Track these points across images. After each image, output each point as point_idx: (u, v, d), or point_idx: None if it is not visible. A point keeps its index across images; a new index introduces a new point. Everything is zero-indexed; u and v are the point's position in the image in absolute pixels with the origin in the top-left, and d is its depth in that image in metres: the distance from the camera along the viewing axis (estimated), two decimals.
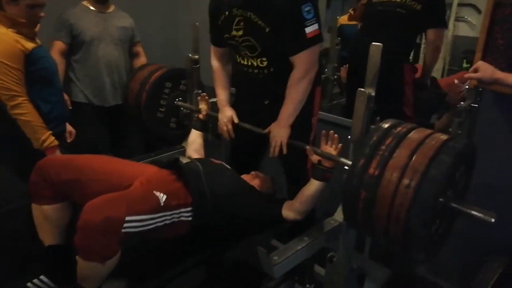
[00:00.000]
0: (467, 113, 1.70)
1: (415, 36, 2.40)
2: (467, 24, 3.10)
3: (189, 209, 1.42)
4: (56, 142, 1.75)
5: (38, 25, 1.77)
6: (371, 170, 1.15)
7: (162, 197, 1.31)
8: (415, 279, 2.04)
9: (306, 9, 1.45)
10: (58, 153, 1.76)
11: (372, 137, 1.21)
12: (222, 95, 1.83)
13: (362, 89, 1.40)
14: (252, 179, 1.74)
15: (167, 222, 1.35)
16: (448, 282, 1.99)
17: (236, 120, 1.78)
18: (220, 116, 1.83)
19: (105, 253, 1.19)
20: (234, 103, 1.89)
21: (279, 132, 1.63)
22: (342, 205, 1.26)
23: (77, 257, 1.21)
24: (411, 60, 2.53)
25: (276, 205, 1.59)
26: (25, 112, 1.64)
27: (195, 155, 1.88)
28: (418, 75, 2.39)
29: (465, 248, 1.79)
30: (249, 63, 1.66)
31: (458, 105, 1.72)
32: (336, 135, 1.49)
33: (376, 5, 2.32)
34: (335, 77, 2.99)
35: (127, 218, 1.19)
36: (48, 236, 1.46)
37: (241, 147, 1.94)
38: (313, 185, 1.50)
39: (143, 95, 2.10)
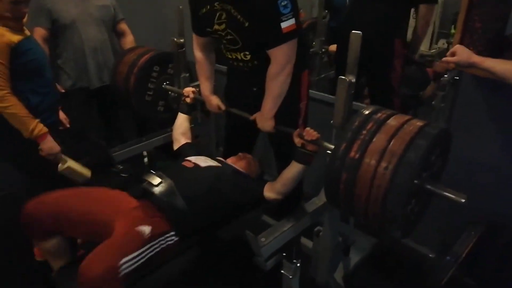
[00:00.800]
0: (451, 86, 1.76)
1: (407, 11, 2.42)
2: None
3: (172, 233, 1.47)
4: (45, 130, 1.76)
5: (26, 16, 1.74)
6: (352, 154, 1.21)
7: (146, 230, 1.37)
8: (398, 248, 2.16)
9: (282, 3, 1.42)
10: (49, 139, 1.78)
11: (354, 122, 1.27)
12: (205, 85, 1.84)
13: (343, 77, 1.44)
14: (238, 161, 1.81)
15: (157, 249, 1.41)
16: (429, 249, 2.12)
17: (223, 107, 1.82)
18: (207, 106, 1.87)
19: None
20: (226, 88, 1.91)
21: (263, 124, 1.68)
22: (324, 186, 1.33)
23: None
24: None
25: (257, 188, 1.65)
26: (9, 104, 1.65)
27: (182, 138, 1.93)
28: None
29: (446, 218, 1.90)
30: (234, 57, 1.67)
31: (441, 78, 1.78)
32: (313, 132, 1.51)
33: None
34: (323, 50, 3.00)
35: (121, 262, 1.26)
36: (56, 263, 1.59)
37: (235, 127, 1.98)
38: (295, 168, 1.56)
39: (132, 78, 2.11)
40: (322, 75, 3.09)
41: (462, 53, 1.33)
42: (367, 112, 1.29)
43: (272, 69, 1.56)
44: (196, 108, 2.09)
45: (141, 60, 2.12)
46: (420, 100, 2.51)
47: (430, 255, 2.11)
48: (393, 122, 1.24)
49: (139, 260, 1.33)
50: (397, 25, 2.35)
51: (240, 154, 1.85)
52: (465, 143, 1.73)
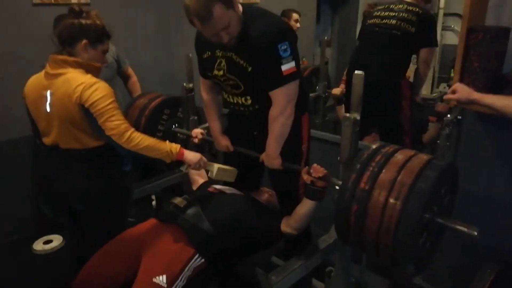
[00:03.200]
0: (454, 125, 1.81)
1: (410, 54, 2.56)
2: (454, 32, 3.25)
3: (196, 256, 1.49)
4: (178, 145, 1.67)
5: None
6: (361, 185, 1.23)
7: (162, 279, 1.39)
8: None
9: (282, 47, 1.47)
10: (187, 151, 1.70)
11: (362, 155, 1.30)
12: (214, 125, 1.88)
13: (348, 114, 1.50)
14: (260, 195, 1.87)
15: (182, 284, 1.43)
16: None
17: (231, 148, 1.85)
18: (215, 145, 1.91)
19: None
20: (227, 130, 1.94)
21: (271, 163, 1.70)
22: (334, 220, 1.32)
23: None
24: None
25: (276, 219, 1.67)
26: (138, 140, 1.54)
27: (199, 178, 1.96)
28: None
29: (459, 258, 1.86)
30: (235, 101, 1.71)
31: (445, 118, 1.83)
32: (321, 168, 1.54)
33: (373, 26, 2.49)
34: (326, 94, 3.10)
35: None
36: None
37: (240, 165, 1.99)
38: (306, 204, 1.57)
39: (142, 120, 2.17)
40: (327, 118, 3.18)
41: (462, 91, 1.38)
42: (375, 146, 1.33)
43: (273, 111, 1.60)
44: (204, 150, 2.13)
45: (152, 104, 2.19)
46: (421, 143, 2.56)
47: None
48: (400, 155, 1.27)
49: None
50: (402, 68, 2.47)
51: (261, 188, 1.90)
52: (472, 180, 1.74)
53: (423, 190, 1.14)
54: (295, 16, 3.12)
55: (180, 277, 1.44)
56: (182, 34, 3.13)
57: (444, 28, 3.48)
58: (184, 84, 2.23)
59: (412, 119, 2.47)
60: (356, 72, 1.50)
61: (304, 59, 3.24)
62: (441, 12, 3.54)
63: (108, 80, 2.47)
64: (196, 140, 2.01)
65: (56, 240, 2.50)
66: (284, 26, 1.54)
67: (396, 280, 2.10)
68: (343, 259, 1.61)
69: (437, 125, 2.48)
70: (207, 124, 2.05)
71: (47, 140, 1.64)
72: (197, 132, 1.99)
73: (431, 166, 1.19)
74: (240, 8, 1.53)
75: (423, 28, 2.35)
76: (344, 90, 2.79)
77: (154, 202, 2.64)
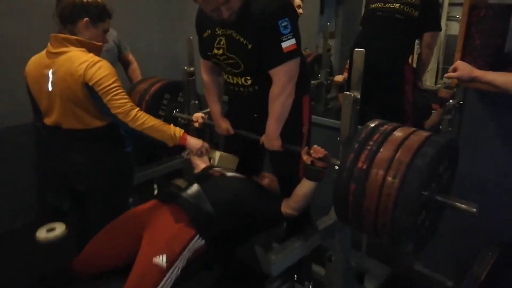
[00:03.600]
0: (456, 111, 1.78)
1: (413, 39, 2.52)
2: (458, 23, 3.22)
3: (197, 237, 1.49)
4: (182, 130, 1.69)
5: None
6: (359, 164, 1.22)
7: (162, 259, 1.39)
8: (413, 275, 2.09)
9: (283, 24, 1.46)
10: (190, 137, 1.71)
11: (360, 134, 1.29)
12: (214, 107, 1.87)
13: (347, 93, 1.48)
14: (261, 179, 1.87)
15: (181, 265, 1.44)
16: (444, 276, 2.04)
17: (231, 131, 1.84)
18: (216, 128, 1.90)
19: None
20: (227, 113, 1.94)
21: (270, 146, 1.69)
22: (333, 200, 1.32)
23: None
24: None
25: (277, 201, 1.67)
26: (144, 120, 1.56)
27: (201, 163, 1.95)
28: None
29: (459, 242, 1.85)
30: (235, 82, 1.69)
31: (447, 103, 1.80)
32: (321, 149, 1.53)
33: (375, 10, 2.45)
34: (328, 81, 3.07)
35: None
36: None
37: (241, 149, 1.97)
38: (306, 185, 1.56)
39: (143, 105, 2.17)
40: (329, 106, 3.15)
41: (463, 68, 1.36)
42: (373, 125, 1.31)
43: (273, 90, 1.58)
44: (205, 134, 2.12)
45: (152, 88, 2.19)
46: (423, 129, 2.54)
47: (448, 283, 2.03)
48: (399, 133, 1.25)
49: (167, 285, 1.36)
50: (405, 53, 2.44)
51: (262, 173, 1.89)
52: (474, 163, 1.72)
53: (421, 167, 1.13)
54: (297, 1, 3.08)
55: (180, 258, 1.44)
56: (185, 19, 3.02)
57: (449, 18, 3.42)
58: (185, 67, 2.23)
59: (414, 104, 2.44)
60: (356, 49, 1.47)
61: (307, 49, 3.22)
62: (446, 2, 3.48)
63: (112, 62, 2.49)
64: (196, 124, 2.00)
65: (59, 228, 2.51)
66: (284, 2, 1.51)
67: (397, 267, 2.10)
68: (343, 243, 1.60)
69: (439, 111, 2.46)
70: (208, 109, 2.04)
71: (48, 121, 1.64)
72: (197, 116, 1.99)
73: (429, 142, 1.18)
74: None
75: (426, 11, 2.30)
76: (347, 77, 2.76)
77: (156, 191, 2.65)
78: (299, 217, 1.63)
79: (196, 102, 2.28)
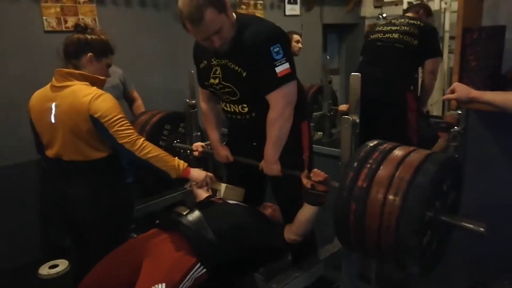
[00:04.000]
0: (462, 137, 1.77)
1: (415, 67, 2.57)
2: None
3: (198, 265, 1.45)
4: (185, 163, 1.70)
5: None
6: (359, 183, 1.19)
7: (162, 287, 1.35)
8: None
9: (274, 50, 1.48)
10: (192, 170, 1.72)
11: (359, 153, 1.27)
12: (213, 135, 1.87)
13: (346, 116, 1.48)
14: (263, 210, 1.82)
15: None
16: None
17: (231, 158, 1.83)
18: (215, 156, 1.89)
19: None
20: (227, 143, 1.93)
21: (269, 171, 1.67)
22: (334, 222, 1.27)
23: None
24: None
25: (280, 230, 1.64)
26: (150, 149, 1.59)
27: (203, 193, 1.91)
28: None
29: (474, 270, 1.76)
30: (232, 110, 1.71)
31: (452, 130, 1.79)
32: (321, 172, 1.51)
33: (375, 40, 2.51)
34: (331, 113, 3.10)
35: None
36: None
37: (243, 179, 1.95)
38: (307, 209, 1.53)
39: (143, 135, 2.15)
40: (334, 137, 3.16)
41: (461, 89, 1.36)
42: (372, 144, 1.30)
43: (271, 114, 1.58)
44: (208, 163, 2.11)
45: (153, 119, 2.23)
46: None
47: None
48: (399, 151, 1.23)
49: None
50: (406, 81, 2.48)
51: (264, 204, 1.85)
52: (482, 185, 1.67)
53: (423, 183, 1.10)
54: (295, 37, 3.19)
55: (180, 286, 1.38)
56: (188, 53, 3.17)
57: (451, 51, 3.51)
58: (187, 100, 2.27)
59: (419, 131, 2.44)
60: (352, 74, 1.49)
61: (309, 84, 3.29)
62: (446, 35, 3.59)
63: (117, 99, 2.55)
64: (196, 153, 2.00)
65: (62, 265, 2.48)
66: (275, 29, 1.55)
67: None
68: (349, 272, 1.54)
69: (445, 137, 2.44)
70: (209, 141, 2.04)
71: (50, 153, 1.65)
72: (197, 145, 1.99)
73: (430, 159, 1.15)
74: (234, 15, 1.55)
75: (425, 40, 2.37)
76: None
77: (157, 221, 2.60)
78: (303, 246, 1.58)
79: (198, 133, 2.29)
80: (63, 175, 1.66)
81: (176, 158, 1.68)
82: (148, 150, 1.58)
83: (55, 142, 1.61)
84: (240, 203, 1.76)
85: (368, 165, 1.21)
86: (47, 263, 2.50)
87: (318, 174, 1.49)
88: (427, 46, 2.40)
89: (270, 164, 1.65)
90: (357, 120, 1.48)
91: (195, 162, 2.03)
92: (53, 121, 1.59)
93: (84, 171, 1.63)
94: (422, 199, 1.09)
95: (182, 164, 1.67)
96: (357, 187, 1.19)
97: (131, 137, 1.56)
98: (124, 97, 2.71)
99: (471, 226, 1.15)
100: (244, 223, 1.61)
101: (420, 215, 1.09)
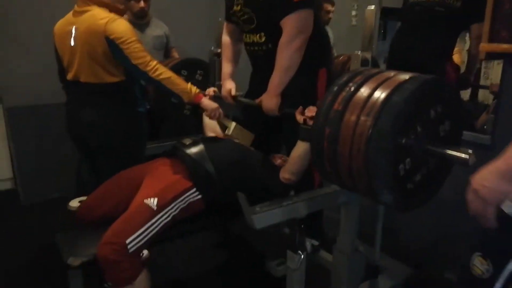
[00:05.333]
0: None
1: (456, 33, 2.32)
2: None
3: (193, 190, 1.49)
4: (198, 89, 1.80)
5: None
6: (335, 106, 1.11)
7: (153, 201, 1.39)
8: (439, 281, 1.85)
9: None
10: (205, 98, 1.81)
11: (342, 77, 1.18)
12: (226, 68, 1.91)
13: (357, 52, 1.38)
14: (273, 160, 1.80)
15: (174, 213, 1.42)
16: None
17: (233, 93, 1.85)
18: (222, 92, 1.93)
19: (127, 275, 1.30)
20: (249, 80, 1.97)
21: (268, 103, 1.65)
22: (310, 148, 1.21)
23: None
24: None
25: (276, 169, 1.63)
26: (163, 70, 1.69)
27: (211, 132, 1.95)
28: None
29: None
30: (251, 40, 1.73)
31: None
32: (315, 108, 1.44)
33: (414, 4, 2.30)
34: None
35: (128, 241, 1.29)
36: None
37: (256, 132, 1.97)
38: (300, 146, 1.49)
39: None
40: None
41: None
42: (359, 70, 1.20)
43: (282, 39, 1.57)
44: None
45: (169, 64, 2.26)
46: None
47: None
48: (386, 73, 1.12)
49: (150, 231, 1.35)
50: (446, 50, 2.26)
51: (274, 154, 1.84)
52: None
53: (397, 102, 1.00)
54: (326, 6, 3.01)
55: (173, 205, 1.42)
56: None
57: None
58: (212, 48, 2.27)
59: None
60: (368, 7, 1.38)
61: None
62: None
63: (157, 50, 2.66)
64: (207, 98, 2.02)
65: None
66: None
67: (422, 271, 1.88)
68: (348, 218, 1.47)
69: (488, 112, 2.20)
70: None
71: (69, 76, 1.77)
72: (209, 90, 2.01)
73: (412, 80, 1.04)
74: None
75: (470, 1, 2.10)
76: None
77: None
78: (312, 222, 1.53)
79: (220, 83, 2.29)
80: (79, 96, 1.79)
81: (189, 83, 1.75)
82: (161, 71, 1.68)
83: (73, 64, 1.73)
84: (243, 143, 1.76)
85: (347, 88, 1.12)
86: (78, 198, 2.70)
87: (312, 110, 1.42)
88: (473, 9, 2.10)
89: (271, 96, 1.63)
90: (369, 57, 1.37)
91: None
92: (72, 43, 1.71)
93: (97, 94, 1.74)
94: (395, 118, 0.99)
95: (194, 89, 1.75)
96: (333, 111, 1.11)
97: (145, 58, 1.65)
98: (165, 53, 2.82)
99: (456, 153, 1.02)
100: (244, 158, 1.62)
101: (391, 135, 0.99)
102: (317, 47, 1.68)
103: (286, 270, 1.44)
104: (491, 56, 1.54)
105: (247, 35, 1.75)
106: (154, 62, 1.67)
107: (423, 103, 1.05)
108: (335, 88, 1.15)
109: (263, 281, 1.87)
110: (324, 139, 1.12)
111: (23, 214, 2.69)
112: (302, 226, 1.40)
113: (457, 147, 1.04)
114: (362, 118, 1.04)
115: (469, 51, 2.34)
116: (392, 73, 1.12)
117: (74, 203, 2.16)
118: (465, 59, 2.45)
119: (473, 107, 2.38)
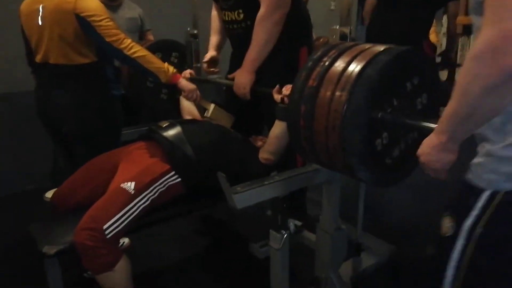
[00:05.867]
0: None
1: (433, 11, 2.32)
2: None
3: (172, 173, 1.45)
4: (174, 69, 1.75)
5: None
6: (310, 82, 1.08)
7: (130, 185, 1.36)
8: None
9: None
10: (182, 79, 1.77)
11: (317, 52, 1.14)
12: (213, 38, 1.92)
13: (335, 26, 1.34)
14: (254, 142, 1.79)
15: (153, 197, 1.39)
16: None
17: (206, 58, 1.88)
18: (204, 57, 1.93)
19: (106, 261, 1.27)
20: (230, 62, 1.93)
21: (241, 79, 1.61)
22: (287, 128, 1.18)
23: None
24: None
25: (256, 150, 1.62)
26: (138, 49, 1.64)
27: (188, 115, 1.90)
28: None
29: None
30: (229, 18, 1.69)
31: None
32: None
33: None
34: None
35: (105, 226, 1.26)
36: None
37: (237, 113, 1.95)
38: (277, 125, 1.47)
39: None
40: None
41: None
42: (334, 44, 1.16)
43: (260, 13, 1.53)
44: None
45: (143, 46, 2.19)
46: None
47: None
48: (361, 45, 1.09)
49: (129, 216, 1.32)
50: (424, 27, 2.26)
51: (254, 136, 1.83)
52: None
53: (370, 75, 0.96)
54: None
55: (151, 188, 1.39)
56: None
57: None
58: (188, 28, 2.20)
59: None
60: None
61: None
62: None
63: (131, 33, 2.57)
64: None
65: None
66: None
67: (404, 248, 1.90)
68: (330, 195, 1.44)
69: None
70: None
71: (38, 57, 1.69)
72: (186, 72, 1.96)
73: (387, 51, 1.00)
74: None
75: None
76: None
77: None
78: (294, 203, 1.55)
79: (198, 65, 2.23)
80: (49, 79, 1.70)
81: (166, 63, 1.69)
82: (136, 49, 1.62)
83: (42, 45, 1.65)
84: (223, 125, 1.72)
85: (322, 63, 1.08)
86: (54, 189, 2.63)
87: (288, 88, 1.39)
88: None
89: (245, 71, 1.60)
90: (345, 31, 1.33)
91: None
92: (40, 23, 1.62)
93: (68, 76, 1.67)
94: (369, 92, 0.96)
95: (172, 68, 1.69)
96: (307, 87, 1.08)
97: (119, 35, 1.59)
98: (140, 35, 2.73)
99: (434, 126, 0.99)
100: (224, 142, 1.59)
101: (365, 110, 0.96)
102: (297, 24, 1.64)
103: (269, 251, 1.42)
104: (468, 30, 1.51)
105: (226, 13, 1.71)
106: (129, 40, 1.61)
107: (399, 75, 1.02)
108: (310, 64, 1.11)
109: (247, 264, 1.86)
110: (300, 117, 1.09)
111: None
112: (284, 205, 1.38)
113: (435, 120, 1.01)
114: (337, 93, 1.00)
115: (448, 29, 2.36)
116: (367, 45, 1.08)
117: (50, 194, 2.10)
118: (443, 42, 2.48)
119: (450, 87, 2.39)
